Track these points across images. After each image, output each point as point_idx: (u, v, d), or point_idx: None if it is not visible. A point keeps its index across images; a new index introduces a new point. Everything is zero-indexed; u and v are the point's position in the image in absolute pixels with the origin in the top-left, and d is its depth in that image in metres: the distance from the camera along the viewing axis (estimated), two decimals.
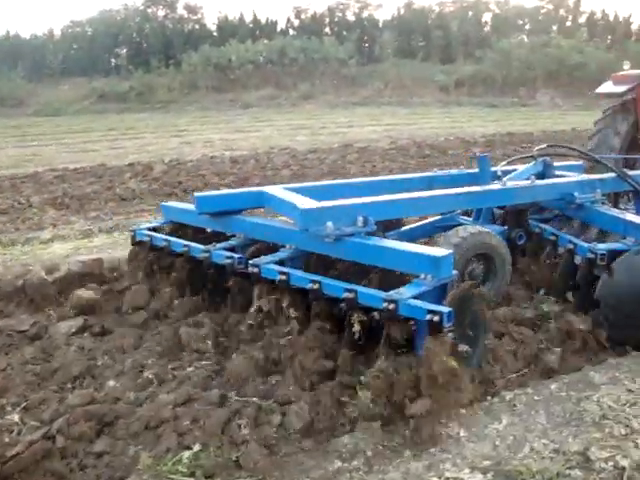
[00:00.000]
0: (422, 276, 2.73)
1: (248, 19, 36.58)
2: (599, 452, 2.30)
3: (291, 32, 35.97)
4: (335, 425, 2.62)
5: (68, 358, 3.25)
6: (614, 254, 3.46)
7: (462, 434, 2.47)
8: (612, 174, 4.25)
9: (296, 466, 2.30)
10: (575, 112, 26.37)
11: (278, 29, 36.23)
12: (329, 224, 3.04)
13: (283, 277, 3.08)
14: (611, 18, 37.34)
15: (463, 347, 2.69)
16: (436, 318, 2.46)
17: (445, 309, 2.50)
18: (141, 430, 2.57)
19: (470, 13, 35.12)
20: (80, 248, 5.25)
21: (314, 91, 29.58)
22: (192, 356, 3.20)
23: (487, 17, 36.37)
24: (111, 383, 3.00)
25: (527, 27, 36.76)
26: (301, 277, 3.08)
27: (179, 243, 3.75)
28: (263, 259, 3.25)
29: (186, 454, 2.35)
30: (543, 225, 4.15)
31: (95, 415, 2.63)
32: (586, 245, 3.62)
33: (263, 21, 36.61)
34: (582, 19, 37.59)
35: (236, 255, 3.40)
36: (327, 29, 34.99)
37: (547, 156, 4.44)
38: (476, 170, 4.35)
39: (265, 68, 31.59)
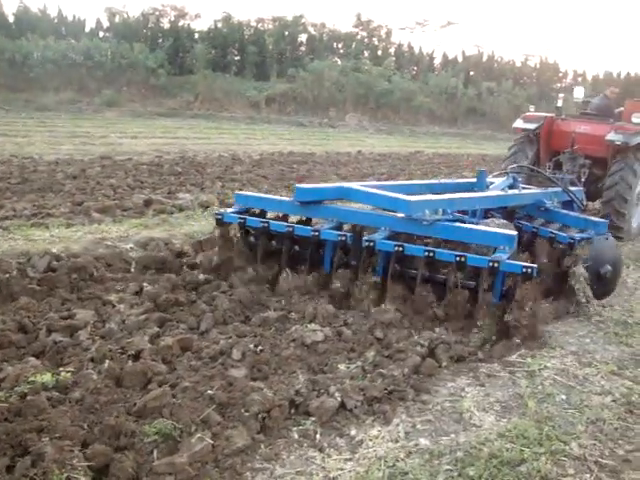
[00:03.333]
0: (501, 247, 4.19)
1: (53, 14, 33.92)
2: None
3: (101, 34, 33.90)
4: None
5: None
6: (585, 240, 5.19)
7: None
8: (559, 188, 6.23)
9: None
10: (378, 136, 27.55)
11: (87, 29, 33.98)
12: (427, 211, 4.30)
13: (399, 249, 4.19)
14: (416, 51, 40.05)
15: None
16: (529, 270, 3.99)
17: (534, 265, 4.09)
18: None
19: (287, 32, 35.55)
20: None
21: (119, 98, 27.94)
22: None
23: (303, 38, 37.10)
24: None
25: (341, 51, 38.12)
26: (415, 248, 4.25)
27: (281, 224, 4.70)
28: (374, 236, 4.34)
29: None
30: (521, 221, 5.80)
31: None
32: (565, 234, 5.29)
33: (70, 18, 34.15)
34: (392, 49, 39.86)
35: (348, 233, 4.50)
36: (140, 35, 33.32)
37: (516, 173, 6.38)
38: (474, 180, 5.89)
39: (68, 69, 29.31)
